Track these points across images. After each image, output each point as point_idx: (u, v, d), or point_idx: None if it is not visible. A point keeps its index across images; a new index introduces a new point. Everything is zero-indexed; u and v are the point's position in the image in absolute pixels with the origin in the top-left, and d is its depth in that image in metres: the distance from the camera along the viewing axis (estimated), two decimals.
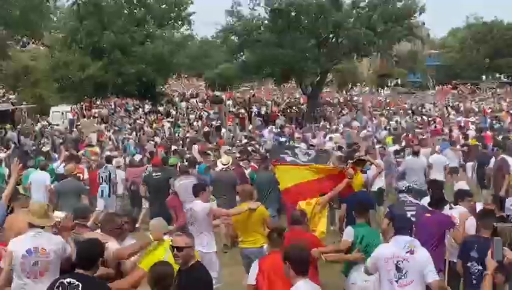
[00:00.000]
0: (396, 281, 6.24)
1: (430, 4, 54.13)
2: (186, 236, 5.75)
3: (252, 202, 9.17)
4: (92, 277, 5.18)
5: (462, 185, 11.38)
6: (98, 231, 6.90)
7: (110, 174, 14.66)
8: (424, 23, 49.50)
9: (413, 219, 8.29)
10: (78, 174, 13.34)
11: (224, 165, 13.33)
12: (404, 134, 25.80)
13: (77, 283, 5.02)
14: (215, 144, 24.62)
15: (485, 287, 5.67)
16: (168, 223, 11.35)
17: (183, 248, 5.54)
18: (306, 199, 9.48)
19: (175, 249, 5.56)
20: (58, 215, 7.06)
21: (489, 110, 44.35)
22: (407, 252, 6.22)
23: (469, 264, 6.76)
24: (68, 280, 5.07)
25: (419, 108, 50.10)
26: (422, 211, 8.81)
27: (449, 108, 49.23)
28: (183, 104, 53.24)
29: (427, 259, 6.26)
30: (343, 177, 9.94)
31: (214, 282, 8.14)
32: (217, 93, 62.94)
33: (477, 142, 20.56)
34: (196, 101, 56.82)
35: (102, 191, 14.52)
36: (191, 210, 9.51)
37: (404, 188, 9.89)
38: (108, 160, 15.89)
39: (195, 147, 21.83)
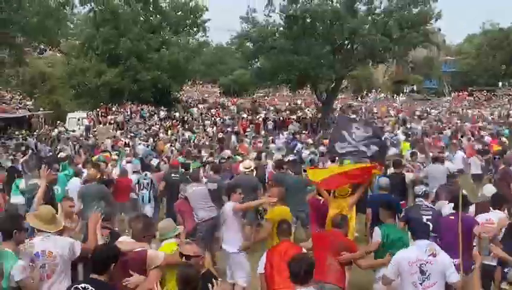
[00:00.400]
0: (421, 284, 6.46)
1: (446, 10, 53.80)
2: (195, 245, 5.86)
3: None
4: (105, 283, 5.22)
5: (490, 189, 11.19)
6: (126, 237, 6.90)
7: (151, 181, 14.76)
8: (440, 30, 49.21)
9: (429, 223, 8.59)
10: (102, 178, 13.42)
11: (246, 169, 13.45)
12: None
13: (91, 288, 5.08)
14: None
15: (474, 280, 6.04)
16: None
17: (192, 257, 5.63)
18: (339, 186, 9.93)
19: (184, 257, 5.64)
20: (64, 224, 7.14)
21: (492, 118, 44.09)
22: (429, 255, 6.45)
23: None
24: (83, 285, 5.13)
25: (425, 114, 49.98)
26: (437, 215, 9.03)
27: (452, 114, 49.00)
28: (195, 110, 53.33)
29: (448, 261, 6.50)
30: (370, 171, 10.21)
31: (242, 281, 8.94)
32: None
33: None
34: (203, 107, 56.81)
35: (142, 197, 14.62)
36: (222, 211, 9.82)
37: (420, 192, 9.84)
38: (148, 167, 16.21)
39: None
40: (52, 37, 41.79)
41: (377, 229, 8.15)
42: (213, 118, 48.06)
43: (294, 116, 48.43)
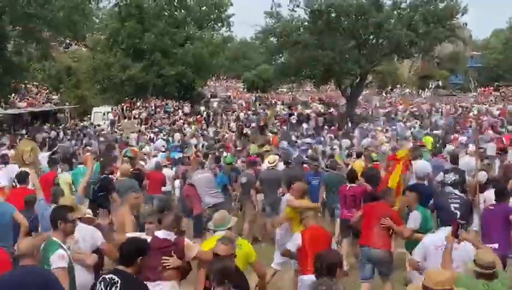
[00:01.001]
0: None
1: (473, 5, 52.91)
2: (231, 245, 5.85)
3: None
4: (131, 275, 5.25)
5: None
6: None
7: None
8: (466, 24, 48.68)
9: (456, 211, 8.99)
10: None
11: (271, 164, 13.59)
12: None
13: (117, 279, 5.12)
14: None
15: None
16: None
17: (223, 256, 5.62)
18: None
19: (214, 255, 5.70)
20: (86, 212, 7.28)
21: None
22: (455, 242, 6.68)
23: None
24: (110, 275, 5.20)
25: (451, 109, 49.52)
26: (465, 203, 9.42)
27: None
28: (215, 103, 53.30)
29: (472, 248, 6.63)
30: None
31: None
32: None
33: None
34: (225, 101, 56.71)
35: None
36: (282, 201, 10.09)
37: (450, 181, 10.57)
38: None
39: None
40: (78, 31, 42.10)
41: (415, 212, 8.79)
42: (235, 114, 48.05)
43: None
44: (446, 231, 6.95)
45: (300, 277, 7.55)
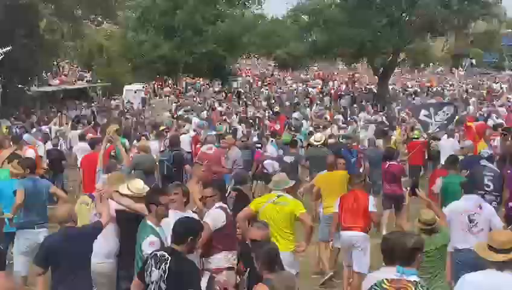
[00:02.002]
0: (468, 230, 7.90)
1: None
2: (264, 229, 5.89)
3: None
4: (181, 253, 5.37)
5: None
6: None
7: None
8: (501, 1, 47.54)
9: (489, 183, 10.03)
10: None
11: (318, 142, 13.93)
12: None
13: (167, 256, 5.28)
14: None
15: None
16: None
17: (259, 241, 5.65)
18: None
19: (251, 242, 5.70)
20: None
21: None
22: (477, 207, 7.97)
23: None
24: (161, 252, 5.39)
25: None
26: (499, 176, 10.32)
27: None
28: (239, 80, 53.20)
29: (493, 212, 8.12)
30: None
31: None
32: None
33: None
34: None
35: None
36: None
37: (486, 155, 11.06)
38: None
39: None
40: (110, 9, 42.16)
41: (439, 179, 9.95)
42: (267, 92, 48.02)
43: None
44: (468, 198, 8.15)
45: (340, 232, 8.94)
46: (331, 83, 56.91)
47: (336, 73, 68.05)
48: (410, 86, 55.11)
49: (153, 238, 5.95)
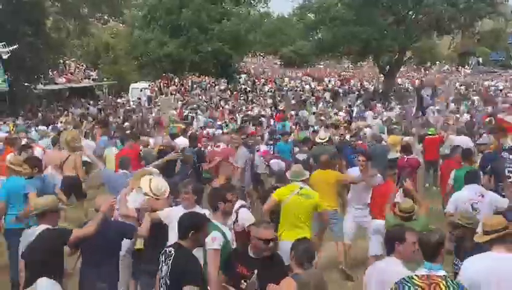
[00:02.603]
0: None
1: None
2: (271, 229, 5.81)
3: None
4: (185, 248, 5.39)
5: None
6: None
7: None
8: (507, 0, 47.35)
9: (510, 175, 10.32)
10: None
11: (322, 140, 13.97)
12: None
13: (173, 251, 5.34)
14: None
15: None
16: None
17: (271, 240, 5.62)
18: None
19: (263, 243, 5.57)
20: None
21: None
22: (478, 196, 8.60)
23: None
24: (169, 248, 5.44)
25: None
26: None
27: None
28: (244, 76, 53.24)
29: (495, 197, 8.73)
30: None
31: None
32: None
33: None
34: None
35: None
36: None
37: (507, 147, 11.37)
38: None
39: None
40: (116, 8, 42.26)
41: (453, 172, 10.71)
42: (271, 90, 48.08)
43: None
44: (469, 188, 8.78)
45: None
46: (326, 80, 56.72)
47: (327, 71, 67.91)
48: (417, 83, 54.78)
49: (216, 234, 6.00)
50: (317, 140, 14.24)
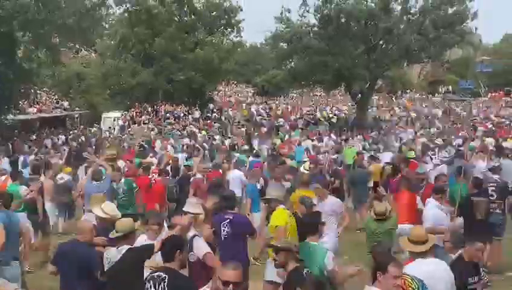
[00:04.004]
0: None
1: (483, 9, 52.74)
2: (239, 270, 5.17)
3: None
4: (176, 271, 5.56)
5: None
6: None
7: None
8: (476, 29, 48.16)
9: (493, 193, 11.33)
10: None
11: (307, 170, 14.71)
12: None
13: (164, 275, 5.44)
14: None
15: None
16: None
17: (232, 283, 4.99)
18: None
19: (222, 283, 5.01)
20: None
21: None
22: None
23: None
24: (157, 273, 5.54)
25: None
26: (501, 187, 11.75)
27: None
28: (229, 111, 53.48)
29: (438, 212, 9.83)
30: None
31: None
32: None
33: None
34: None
35: None
36: None
37: (490, 167, 13.04)
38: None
39: None
40: (88, 37, 42.06)
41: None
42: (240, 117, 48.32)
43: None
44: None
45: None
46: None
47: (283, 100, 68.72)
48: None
49: (330, 254, 6.87)
50: (302, 170, 14.87)
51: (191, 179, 14.43)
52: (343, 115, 52.08)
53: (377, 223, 9.15)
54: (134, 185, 13.47)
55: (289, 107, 59.44)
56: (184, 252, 5.69)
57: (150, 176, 15.15)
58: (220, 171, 15.58)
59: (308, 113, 52.75)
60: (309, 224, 7.59)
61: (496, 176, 12.59)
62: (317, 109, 55.80)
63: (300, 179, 11.68)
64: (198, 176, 14.64)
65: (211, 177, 14.46)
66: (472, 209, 10.47)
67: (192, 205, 7.91)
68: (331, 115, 51.03)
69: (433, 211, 9.78)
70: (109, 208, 7.98)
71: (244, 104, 59.68)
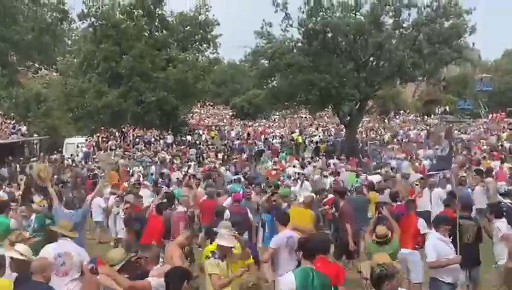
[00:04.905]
0: None
1: (482, 23, 53.31)
2: None
3: None
4: None
5: None
6: None
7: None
8: (474, 44, 48.87)
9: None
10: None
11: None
12: None
13: None
14: None
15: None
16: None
17: None
18: None
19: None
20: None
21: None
22: None
23: None
24: None
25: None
26: None
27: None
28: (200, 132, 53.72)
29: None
30: None
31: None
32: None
33: None
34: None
35: None
36: None
37: (503, 190, 14.19)
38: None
39: None
40: (48, 55, 42.11)
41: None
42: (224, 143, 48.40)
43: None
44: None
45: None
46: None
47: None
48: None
49: None
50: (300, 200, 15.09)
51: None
52: (331, 137, 52.50)
53: (378, 246, 10.33)
54: (48, 221, 12.80)
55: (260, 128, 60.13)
56: (190, 281, 6.25)
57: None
58: (215, 200, 16.57)
59: (278, 135, 53.49)
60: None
61: (507, 200, 13.98)
62: (297, 131, 56.26)
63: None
64: (180, 209, 15.29)
65: (206, 206, 15.76)
66: (460, 232, 10.75)
67: (225, 238, 8.52)
68: (315, 137, 51.28)
69: (435, 242, 9.97)
70: (23, 249, 8.24)
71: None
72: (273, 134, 56.48)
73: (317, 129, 59.46)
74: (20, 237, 9.04)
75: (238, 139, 52.17)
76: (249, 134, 56.07)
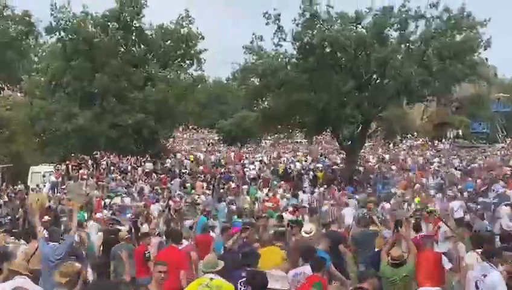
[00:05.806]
0: None
1: (497, 37, 53.64)
2: None
3: None
4: None
5: None
6: None
7: None
8: (487, 59, 48.91)
9: None
10: None
11: (308, 233, 14.82)
12: None
13: None
14: None
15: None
16: None
17: None
18: None
19: None
20: None
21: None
22: (482, 275, 10.33)
23: None
24: None
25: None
26: None
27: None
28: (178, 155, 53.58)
29: (496, 281, 10.02)
30: None
31: None
32: None
33: None
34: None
35: None
36: None
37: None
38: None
39: None
40: (12, 73, 42.07)
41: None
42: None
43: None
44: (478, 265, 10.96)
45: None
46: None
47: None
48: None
49: None
50: (302, 233, 15.06)
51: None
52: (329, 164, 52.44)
53: (393, 268, 11.18)
54: None
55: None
56: None
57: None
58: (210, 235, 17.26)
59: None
60: None
61: None
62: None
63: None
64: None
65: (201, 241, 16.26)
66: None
67: (276, 279, 8.88)
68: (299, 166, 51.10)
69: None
70: None
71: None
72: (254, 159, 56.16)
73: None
74: None
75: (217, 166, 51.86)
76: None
